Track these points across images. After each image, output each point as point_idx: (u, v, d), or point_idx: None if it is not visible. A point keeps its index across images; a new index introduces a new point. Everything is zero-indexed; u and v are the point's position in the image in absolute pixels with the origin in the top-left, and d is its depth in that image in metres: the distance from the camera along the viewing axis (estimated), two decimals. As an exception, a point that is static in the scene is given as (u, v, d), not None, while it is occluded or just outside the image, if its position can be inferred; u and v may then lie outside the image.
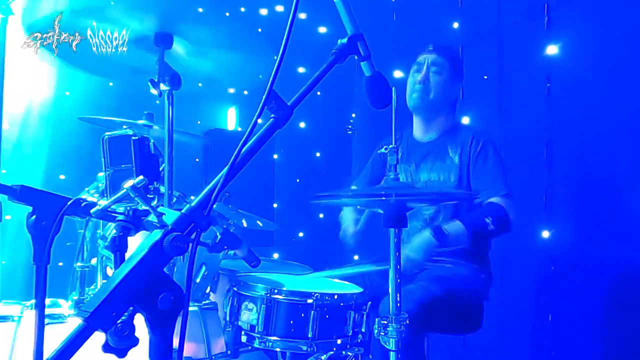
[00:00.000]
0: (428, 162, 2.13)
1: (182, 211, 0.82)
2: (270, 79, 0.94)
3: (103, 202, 1.04)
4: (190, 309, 1.77)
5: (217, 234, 1.49)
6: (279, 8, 3.74)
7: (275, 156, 3.95)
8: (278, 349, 1.60)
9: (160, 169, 1.63)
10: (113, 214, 1.03)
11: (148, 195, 0.93)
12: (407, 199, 1.32)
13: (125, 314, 0.73)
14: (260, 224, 2.45)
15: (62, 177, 3.13)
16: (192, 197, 1.78)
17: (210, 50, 1.79)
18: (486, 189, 1.95)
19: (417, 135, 2.22)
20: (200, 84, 1.99)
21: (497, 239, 2.03)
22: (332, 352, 1.61)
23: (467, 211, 2.00)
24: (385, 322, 1.34)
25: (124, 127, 1.80)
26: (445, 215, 2.04)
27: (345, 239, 2.12)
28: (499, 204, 1.91)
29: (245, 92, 3.92)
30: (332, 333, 1.61)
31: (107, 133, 1.55)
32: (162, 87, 1.64)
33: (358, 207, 2.00)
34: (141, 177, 0.93)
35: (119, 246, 0.99)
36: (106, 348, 0.74)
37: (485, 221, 1.83)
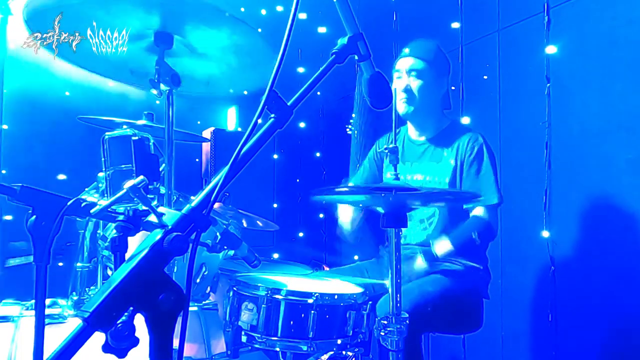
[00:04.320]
0: (423, 162, 2.13)
1: (182, 211, 0.82)
2: (271, 79, 0.94)
3: (103, 202, 1.03)
4: (190, 309, 1.77)
5: (217, 234, 1.50)
6: (279, 8, 3.74)
7: (275, 156, 3.95)
8: (278, 349, 1.60)
9: (160, 169, 1.63)
10: (113, 214, 1.03)
11: (148, 196, 0.92)
12: (408, 193, 1.31)
13: (125, 314, 0.73)
14: (260, 224, 2.45)
15: (62, 177, 3.13)
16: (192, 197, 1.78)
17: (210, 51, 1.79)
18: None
19: (412, 135, 2.22)
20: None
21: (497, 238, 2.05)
22: (332, 352, 1.61)
23: (455, 218, 2.01)
24: (386, 322, 1.34)
25: (124, 127, 1.80)
26: (441, 217, 2.04)
27: (342, 236, 2.13)
28: (483, 218, 1.96)
29: (245, 92, 3.92)
30: (332, 333, 1.61)
31: (107, 133, 1.55)
32: (162, 87, 1.65)
33: (360, 205, 1.99)
34: (141, 177, 0.93)
35: (119, 246, 0.99)
36: (106, 348, 0.74)
37: (472, 237, 1.91)
